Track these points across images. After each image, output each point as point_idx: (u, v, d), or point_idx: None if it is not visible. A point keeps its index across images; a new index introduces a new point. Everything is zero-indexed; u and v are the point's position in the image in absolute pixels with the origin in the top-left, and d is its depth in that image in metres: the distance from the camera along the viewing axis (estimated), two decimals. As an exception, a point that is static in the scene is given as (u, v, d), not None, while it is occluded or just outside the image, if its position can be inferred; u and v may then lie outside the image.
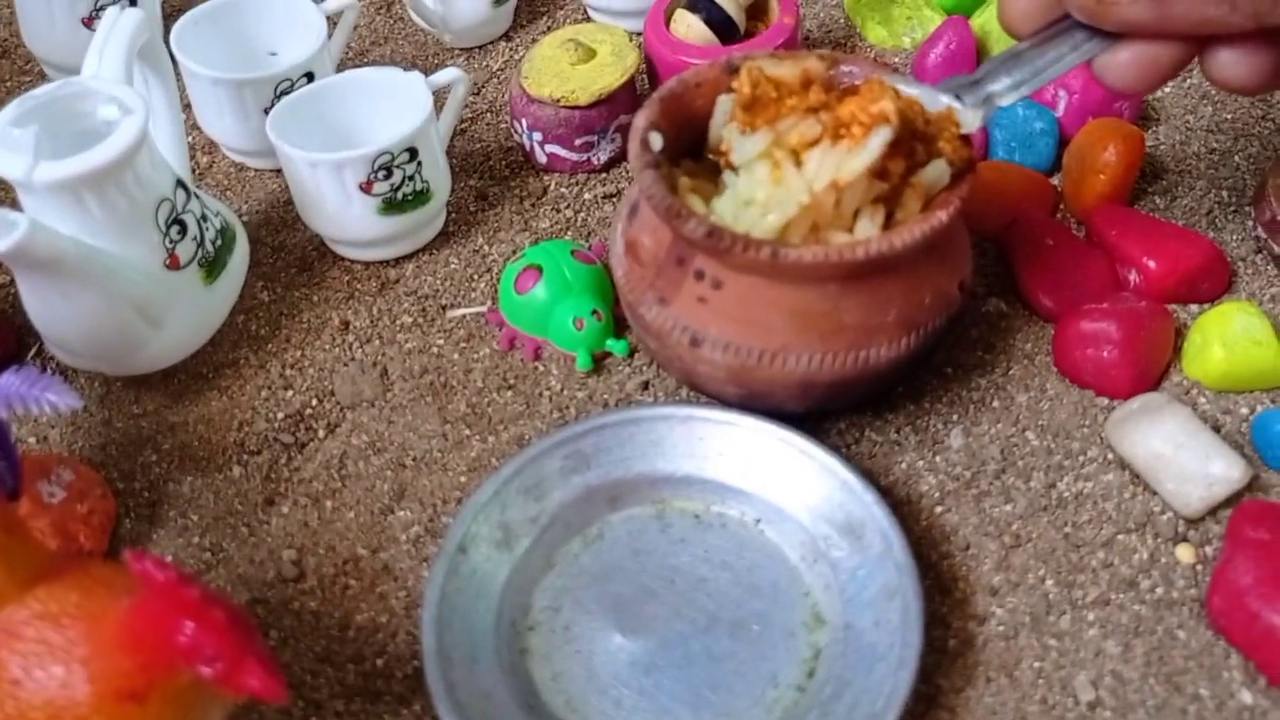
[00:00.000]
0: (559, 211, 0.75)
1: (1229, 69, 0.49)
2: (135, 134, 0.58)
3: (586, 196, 0.76)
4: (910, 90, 0.55)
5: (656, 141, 0.58)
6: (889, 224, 0.55)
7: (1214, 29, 0.47)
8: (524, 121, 0.76)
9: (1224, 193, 0.72)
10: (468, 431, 0.64)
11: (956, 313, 0.58)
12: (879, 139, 0.52)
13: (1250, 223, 0.69)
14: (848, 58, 0.60)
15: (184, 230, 0.64)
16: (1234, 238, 0.69)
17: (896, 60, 0.83)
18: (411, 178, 0.68)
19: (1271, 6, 0.43)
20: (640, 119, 0.59)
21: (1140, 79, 0.51)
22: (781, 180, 0.53)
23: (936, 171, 0.55)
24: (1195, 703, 0.52)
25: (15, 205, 0.60)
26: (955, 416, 0.62)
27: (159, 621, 0.39)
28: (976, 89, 0.55)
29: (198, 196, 0.66)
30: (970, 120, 0.54)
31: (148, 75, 0.68)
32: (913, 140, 0.54)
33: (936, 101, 0.54)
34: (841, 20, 0.87)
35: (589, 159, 0.76)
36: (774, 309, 0.55)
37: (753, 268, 0.54)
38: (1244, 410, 0.61)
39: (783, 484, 0.58)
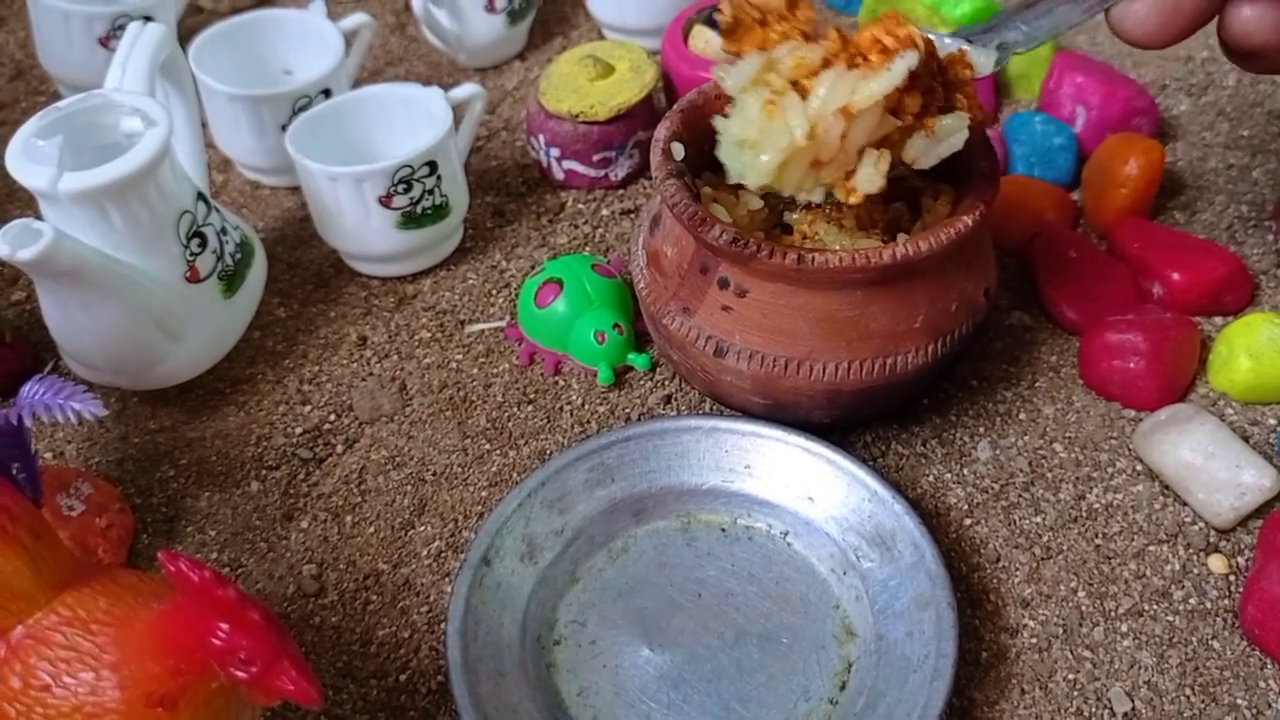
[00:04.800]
0: (576, 227, 0.75)
1: (1252, 23, 0.45)
2: (159, 145, 0.58)
3: (604, 212, 0.76)
4: (922, 29, 0.50)
5: (679, 151, 0.58)
6: (892, 170, 0.51)
7: None
8: (541, 137, 0.76)
9: (1243, 207, 0.72)
10: (488, 446, 0.64)
11: (982, 320, 0.58)
12: (904, 62, 0.47)
13: (1271, 236, 0.69)
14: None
15: (204, 243, 0.63)
16: (1255, 251, 0.69)
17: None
18: (431, 191, 0.68)
19: None
20: (662, 130, 0.59)
21: (1161, 27, 0.47)
22: (777, 113, 0.48)
23: (957, 123, 0.51)
24: (1232, 712, 0.51)
25: (37, 217, 0.59)
26: (982, 429, 0.62)
27: (193, 624, 0.38)
28: (989, 35, 0.51)
29: (218, 210, 0.66)
30: (983, 63, 0.50)
31: (168, 89, 0.68)
32: (932, 79, 0.50)
33: (948, 44, 0.51)
34: (856, 39, 0.88)
35: (606, 175, 0.76)
36: (800, 316, 0.54)
37: (778, 274, 0.53)
38: (1271, 421, 0.61)
39: (810, 496, 0.57)
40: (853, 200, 0.51)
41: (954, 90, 0.51)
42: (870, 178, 0.49)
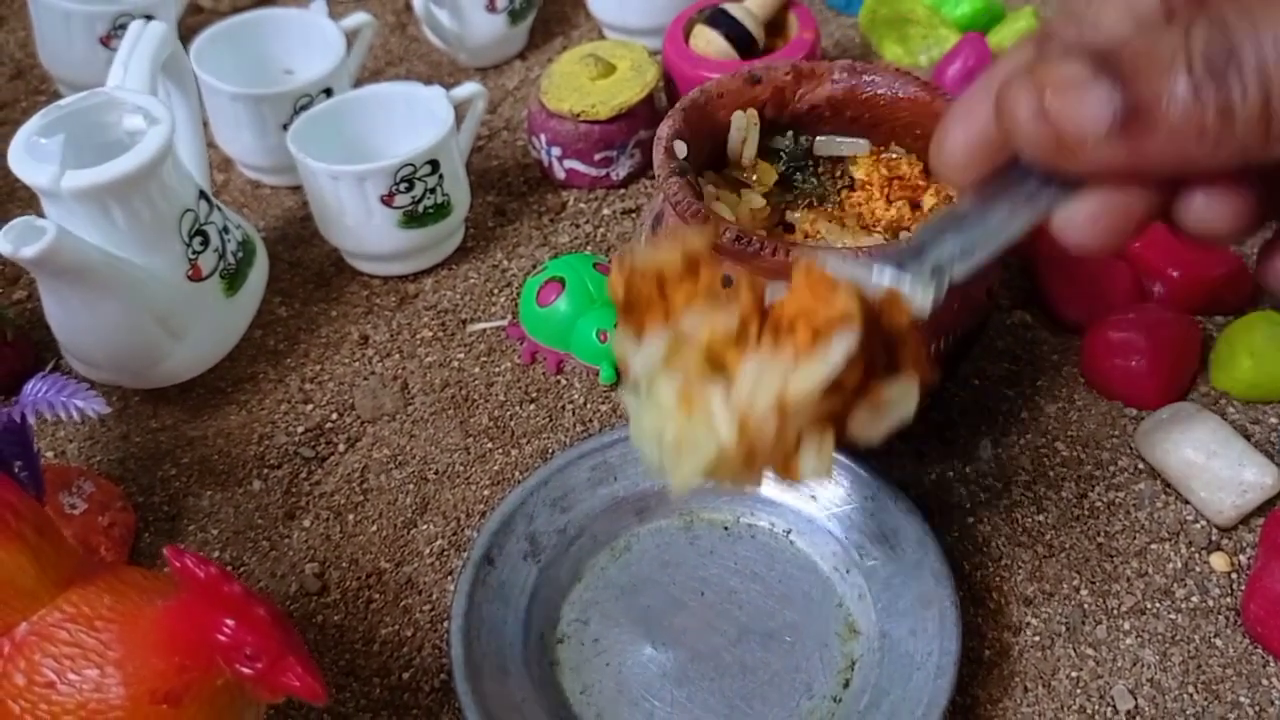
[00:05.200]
0: (578, 226, 0.75)
1: (1205, 213, 0.40)
2: (161, 143, 0.58)
3: (605, 212, 0.76)
4: (844, 268, 0.41)
5: (681, 150, 0.58)
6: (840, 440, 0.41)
7: (1195, 168, 0.38)
8: (543, 136, 0.76)
9: (1244, 206, 0.72)
10: (490, 445, 0.64)
11: (984, 319, 0.58)
12: (841, 346, 0.38)
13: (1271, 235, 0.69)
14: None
15: (206, 241, 0.63)
16: (1256, 250, 0.69)
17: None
18: (433, 190, 0.68)
19: (1261, 141, 0.35)
20: (664, 128, 0.59)
21: (1111, 233, 0.40)
22: (697, 408, 0.40)
23: (905, 391, 0.42)
24: (1235, 710, 0.51)
25: (39, 216, 0.59)
26: (984, 428, 0.62)
27: (198, 620, 0.38)
28: (920, 260, 0.42)
29: (219, 208, 0.66)
30: (920, 302, 0.41)
31: (170, 88, 0.68)
32: (870, 339, 0.41)
33: (877, 279, 0.42)
34: (857, 39, 0.88)
35: (608, 174, 0.76)
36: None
37: (781, 272, 0.53)
38: (1273, 419, 0.61)
39: (813, 494, 0.57)
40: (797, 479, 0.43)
41: (896, 349, 0.42)
42: (815, 466, 0.41)
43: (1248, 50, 0.33)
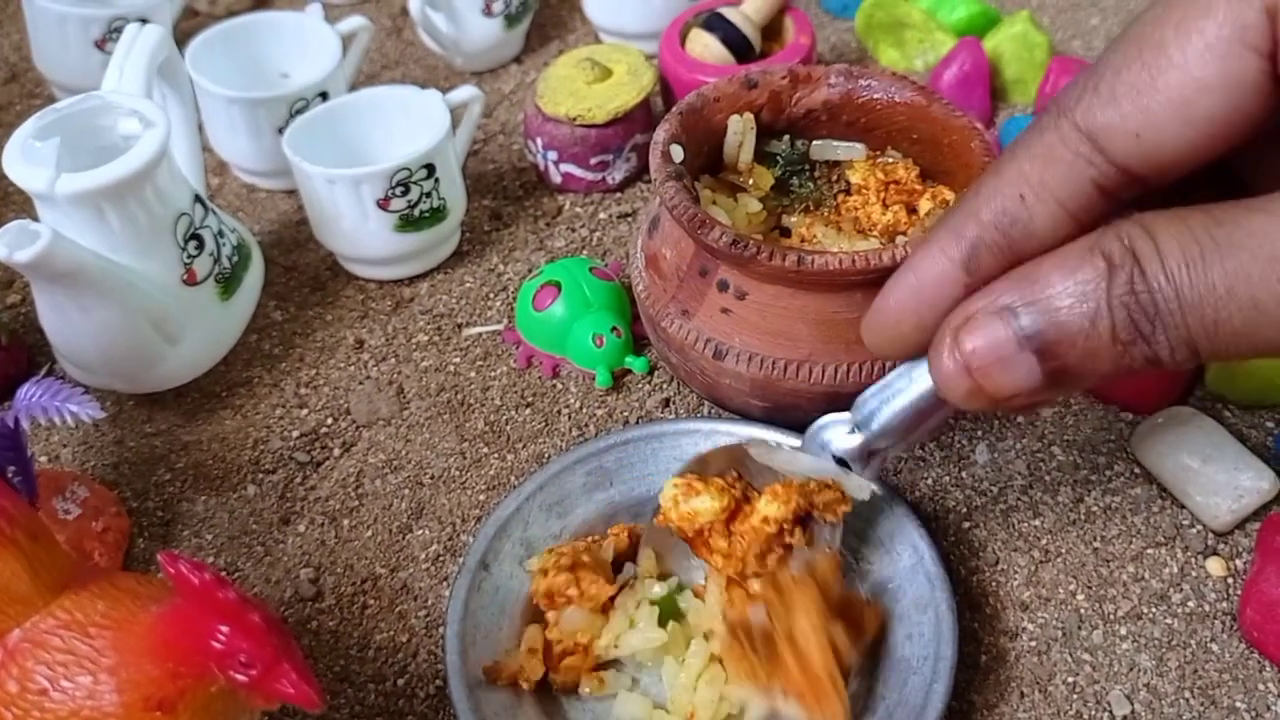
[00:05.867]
0: (574, 231, 0.75)
1: None
2: (157, 147, 0.58)
3: (601, 216, 0.76)
4: (786, 467, 0.51)
5: (678, 153, 0.58)
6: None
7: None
8: (539, 140, 0.76)
9: (1239, 210, 0.72)
10: (486, 450, 0.63)
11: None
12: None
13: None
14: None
15: (201, 245, 0.63)
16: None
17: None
18: (429, 194, 0.68)
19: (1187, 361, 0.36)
20: (661, 132, 0.59)
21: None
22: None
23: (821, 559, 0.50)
24: (1232, 715, 0.51)
25: (33, 219, 0.59)
26: (980, 432, 0.62)
27: (192, 626, 0.38)
28: (855, 441, 0.49)
29: (215, 212, 0.66)
30: (860, 488, 0.50)
31: (165, 92, 0.68)
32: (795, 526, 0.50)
33: (819, 470, 0.50)
34: (854, 43, 0.88)
35: (604, 178, 0.76)
36: (799, 318, 0.54)
37: (777, 276, 0.53)
38: (1269, 424, 0.61)
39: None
40: None
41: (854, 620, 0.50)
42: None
43: (1172, 305, 0.34)
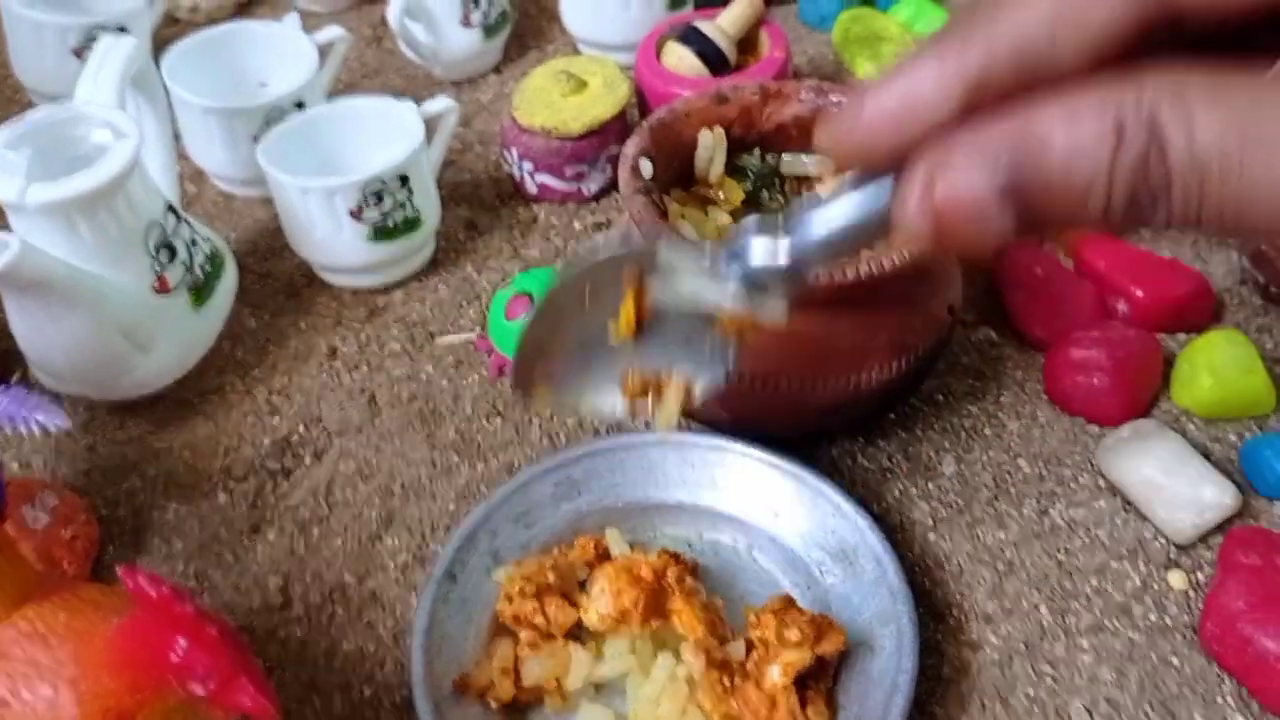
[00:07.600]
0: (549, 240, 0.76)
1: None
2: (128, 158, 0.58)
3: (576, 226, 0.76)
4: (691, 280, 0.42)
5: (646, 168, 0.58)
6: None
7: None
8: (515, 151, 0.76)
9: (1208, 225, 0.72)
10: (456, 459, 0.64)
11: (946, 336, 0.59)
12: None
13: (1235, 255, 0.70)
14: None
15: (173, 254, 0.63)
16: (1219, 269, 0.70)
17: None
18: (402, 204, 0.68)
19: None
20: (631, 146, 0.59)
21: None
22: None
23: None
24: (1191, 728, 0.51)
25: (3, 229, 0.59)
26: (947, 444, 0.62)
27: (151, 639, 0.38)
28: (782, 259, 0.39)
29: (187, 222, 0.66)
30: (774, 312, 0.41)
31: (140, 102, 0.68)
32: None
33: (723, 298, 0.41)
34: (831, 56, 0.88)
35: (580, 189, 0.76)
36: (765, 333, 0.55)
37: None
38: (1232, 437, 0.62)
39: (775, 510, 0.57)
40: None
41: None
42: None
43: (1191, 194, 0.29)
